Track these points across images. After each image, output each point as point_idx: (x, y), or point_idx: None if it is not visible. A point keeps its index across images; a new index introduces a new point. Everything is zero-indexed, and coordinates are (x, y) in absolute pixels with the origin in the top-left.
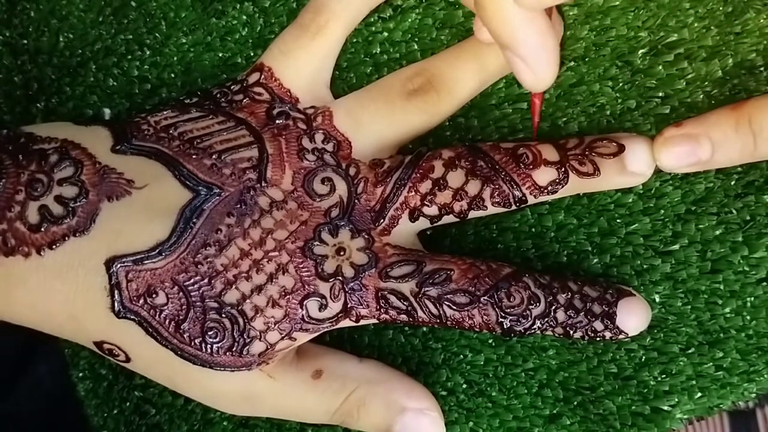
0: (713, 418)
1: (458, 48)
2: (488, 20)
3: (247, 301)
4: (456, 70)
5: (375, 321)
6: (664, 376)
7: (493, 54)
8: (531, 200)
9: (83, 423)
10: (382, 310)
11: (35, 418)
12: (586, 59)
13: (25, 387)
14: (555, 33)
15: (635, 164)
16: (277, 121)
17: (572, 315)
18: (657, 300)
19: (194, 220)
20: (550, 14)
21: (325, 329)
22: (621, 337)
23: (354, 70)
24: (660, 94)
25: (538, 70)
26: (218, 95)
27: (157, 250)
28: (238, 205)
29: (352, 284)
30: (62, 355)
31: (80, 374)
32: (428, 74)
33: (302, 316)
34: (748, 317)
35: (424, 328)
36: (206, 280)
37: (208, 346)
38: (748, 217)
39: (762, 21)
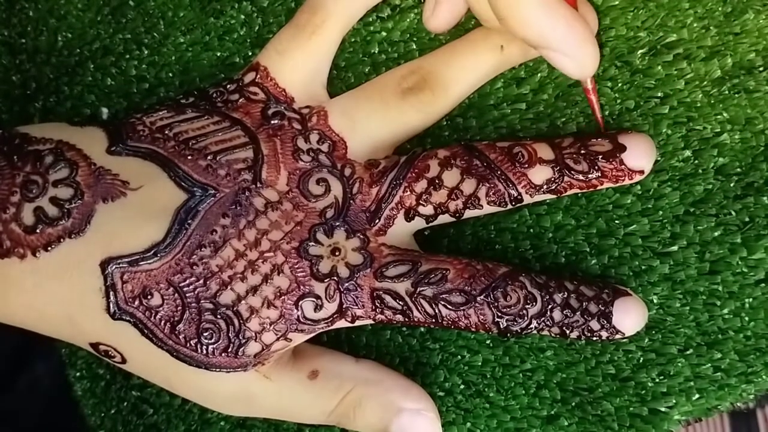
0: (714, 418)
1: (453, 46)
2: (512, 25)
3: (243, 301)
4: (451, 68)
5: (371, 321)
6: (662, 377)
7: (488, 52)
8: (527, 199)
9: (80, 423)
10: (377, 310)
11: (33, 417)
12: None
13: (23, 386)
14: (580, 16)
15: (633, 160)
16: (272, 122)
17: (569, 314)
18: (655, 301)
19: (189, 221)
20: (573, 4)
21: (321, 330)
22: (618, 336)
23: (352, 69)
24: (659, 94)
25: (576, 55)
26: (214, 95)
27: (152, 252)
28: (233, 206)
29: (347, 284)
30: (60, 355)
31: (77, 374)
32: (423, 72)
33: (297, 316)
34: (747, 318)
35: (422, 329)
36: (201, 281)
37: (204, 347)
38: (747, 219)
39: (761, 21)
